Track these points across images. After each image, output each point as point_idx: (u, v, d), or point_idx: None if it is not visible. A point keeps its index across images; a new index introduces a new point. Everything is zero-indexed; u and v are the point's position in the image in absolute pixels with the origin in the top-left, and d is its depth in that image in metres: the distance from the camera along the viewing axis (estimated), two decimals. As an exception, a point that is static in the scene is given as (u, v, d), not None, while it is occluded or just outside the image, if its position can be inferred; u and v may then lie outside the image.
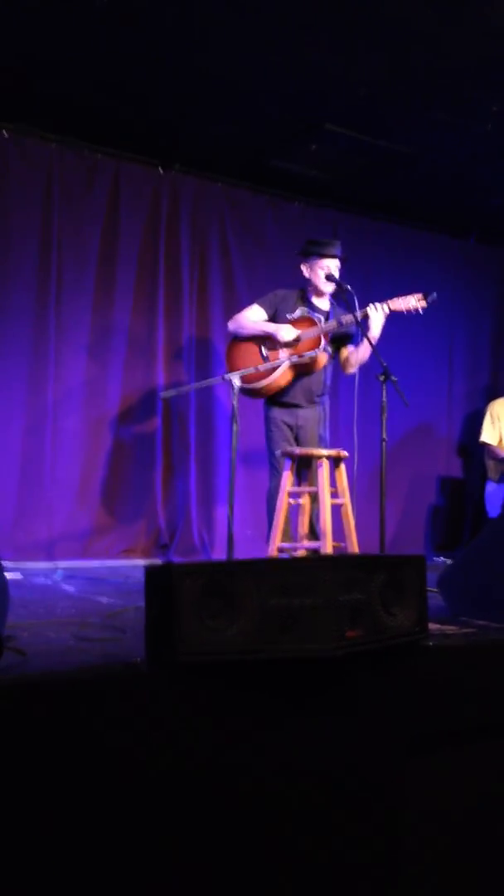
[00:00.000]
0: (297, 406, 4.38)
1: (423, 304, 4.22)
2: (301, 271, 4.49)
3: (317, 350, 4.22)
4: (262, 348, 4.33)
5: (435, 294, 4.25)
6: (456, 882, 2.07)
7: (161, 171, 5.80)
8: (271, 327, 4.33)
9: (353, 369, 4.42)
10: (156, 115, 5.19)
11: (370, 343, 4.17)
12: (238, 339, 4.44)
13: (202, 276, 5.96)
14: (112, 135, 5.45)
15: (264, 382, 4.28)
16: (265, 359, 4.29)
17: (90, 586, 3.95)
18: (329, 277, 4.35)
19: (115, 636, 2.34)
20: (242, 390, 4.34)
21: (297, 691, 1.87)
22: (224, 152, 5.72)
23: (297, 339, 4.27)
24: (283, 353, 4.27)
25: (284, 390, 4.33)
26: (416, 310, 4.24)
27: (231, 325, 4.49)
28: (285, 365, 4.25)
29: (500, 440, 6.43)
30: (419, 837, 2.02)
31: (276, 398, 4.36)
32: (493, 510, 6.25)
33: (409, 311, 4.24)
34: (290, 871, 1.83)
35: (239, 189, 6.13)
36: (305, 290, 4.48)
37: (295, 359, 4.22)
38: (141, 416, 5.72)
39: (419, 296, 4.22)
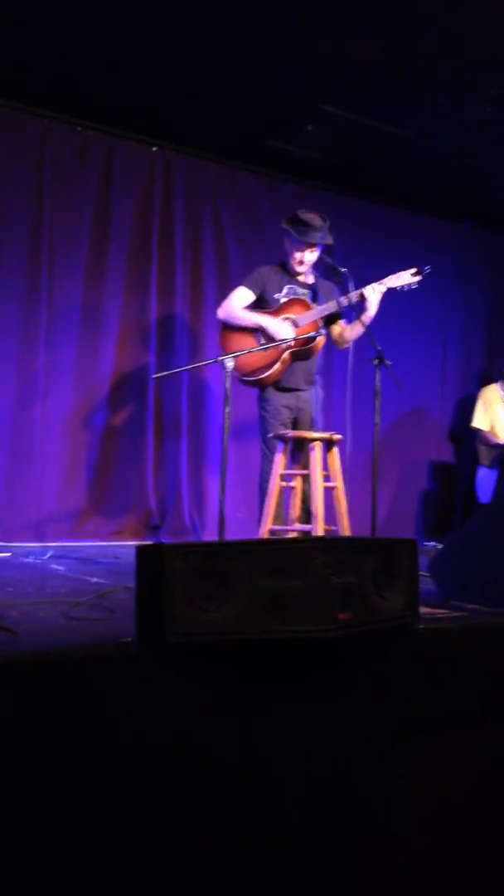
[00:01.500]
0: (298, 389, 4.36)
1: (419, 278, 4.19)
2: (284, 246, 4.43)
3: (315, 334, 4.19)
4: (261, 337, 4.28)
5: (429, 267, 4.21)
6: (449, 863, 2.08)
7: (154, 150, 5.75)
8: (268, 322, 4.26)
9: (345, 346, 4.39)
10: (150, 93, 5.13)
11: (364, 325, 4.15)
12: (231, 327, 4.38)
13: (195, 256, 5.92)
14: (105, 112, 5.39)
15: (267, 373, 4.25)
16: (261, 342, 4.24)
17: (80, 566, 3.94)
18: (323, 261, 4.31)
19: (105, 616, 2.33)
20: (244, 381, 4.33)
21: (288, 673, 1.86)
22: (219, 132, 5.66)
23: (296, 337, 4.21)
24: (285, 339, 4.22)
25: (283, 375, 4.31)
26: (412, 285, 4.21)
27: (221, 314, 4.40)
28: (285, 354, 4.22)
29: (492, 426, 6.44)
30: (410, 820, 2.02)
31: (276, 383, 4.33)
32: (484, 495, 6.26)
33: (404, 288, 4.21)
34: (281, 851, 1.83)
35: (233, 169, 6.08)
36: (286, 263, 4.43)
37: (292, 341, 4.18)
38: (132, 397, 5.69)
39: (413, 270, 4.20)
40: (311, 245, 4.29)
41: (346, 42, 4.49)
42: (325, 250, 4.39)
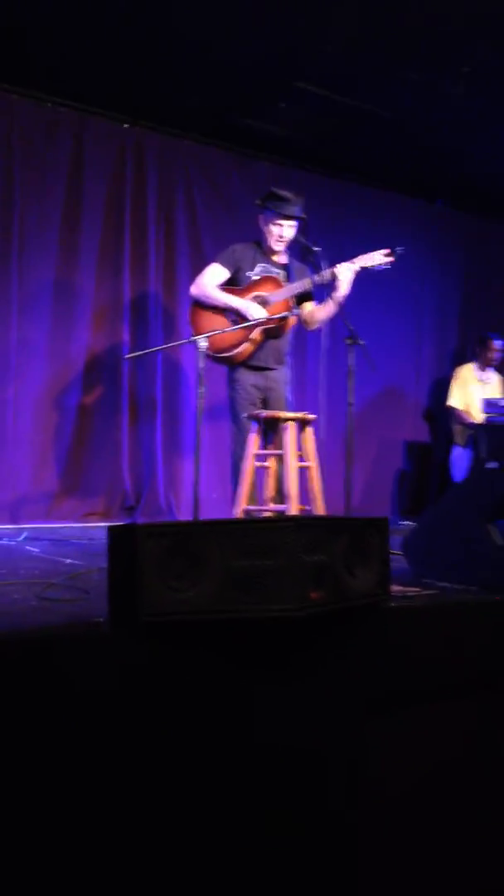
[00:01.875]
0: (268, 369, 4.35)
1: (391, 259, 4.18)
2: (258, 221, 4.41)
3: (287, 313, 4.18)
4: (232, 316, 4.26)
5: (402, 248, 4.20)
6: (415, 838, 2.11)
7: (126, 127, 5.69)
8: (238, 303, 4.23)
9: (316, 326, 4.38)
10: (121, 69, 5.07)
11: (336, 304, 4.14)
12: (203, 305, 4.36)
13: (168, 235, 5.88)
14: (75, 89, 5.32)
15: (237, 350, 4.23)
16: (233, 321, 4.22)
17: (54, 548, 3.93)
18: (297, 241, 4.29)
19: (78, 597, 2.33)
20: (214, 358, 4.30)
21: (261, 652, 1.87)
22: (191, 109, 5.61)
23: (269, 317, 4.19)
24: (258, 318, 4.20)
25: (253, 354, 4.29)
26: (384, 265, 4.20)
27: (194, 290, 4.37)
28: (256, 331, 4.20)
29: (467, 405, 6.47)
30: (380, 795, 2.05)
31: (246, 361, 4.31)
32: (458, 475, 6.30)
33: (376, 268, 4.19)
34: (252, 829, 1.85)
35: (206, 147, 6.03)
36: (261, 242, 4.41)
37: (264, 321, 4.17)
38: (106, 377, 5.66)
39: (385, 251, 4.18)
40: (289, 219, 4.27)
41: (320, 19, 4.46)
42: (299, 229, 4.37)
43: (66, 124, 5.45)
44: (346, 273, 4.14)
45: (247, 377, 4.31)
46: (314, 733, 1.94)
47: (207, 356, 4.28)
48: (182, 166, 5.93)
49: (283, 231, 4.28)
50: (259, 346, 4.26)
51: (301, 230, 4.38)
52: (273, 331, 4.24)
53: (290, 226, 4.29)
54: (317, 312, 4.33)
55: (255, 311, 4.18)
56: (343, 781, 1.97)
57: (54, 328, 5.45)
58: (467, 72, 4.98)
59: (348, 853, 1.98)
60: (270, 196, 4.30)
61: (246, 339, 4.21)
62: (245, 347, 4.22)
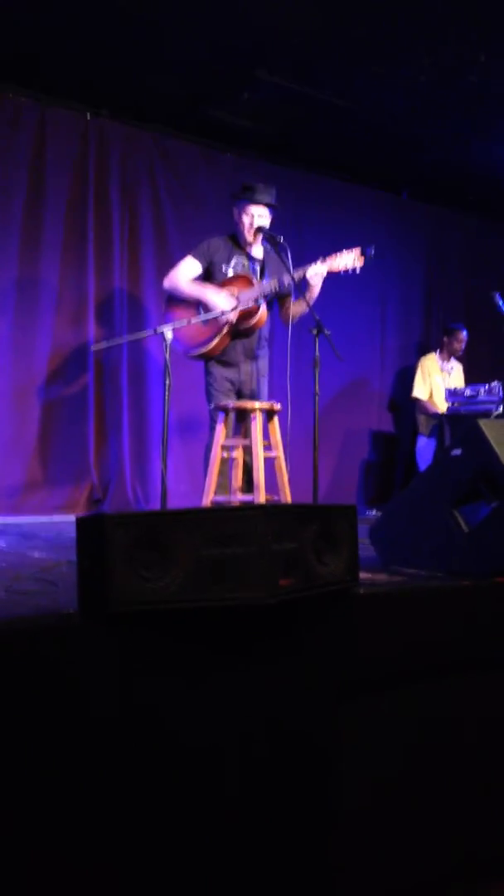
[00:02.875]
0: (237, 364, 4.36)
1: (361, 261, 4.22)
2: (231, 214, 4.42)
3: (256, 314, 4.20)
4: (202, 311, 4.26)
5: (372, 249, 4.24)
6: (388, 822, 2.14)
7: (88, 118, 5.64)
8: (208, 295, 4.22)
9: (292, 322, 4.39)
10: (81, 58, 5.02)
11: (307, 304, 4.18)
12: (175, 299, 4.36)
13: (133, 227, 5.85)
14: (36, 78, 5.26)
15: (208, 347, 4.25)
16: (204, 324, 4.23)
17: (22, 541, 3.90)
18: (259, 230, 4.30)
19: (47, 589, 2.32)
20: (189, 356, 4.33)
21: (231, 640, 1.88)
22: (154, 99, 5.58)
23: (235, 307, 4.20)
24: (223, 316, 4.21)
25: (225, 350, 4.31)
26: (355, 269, 4.23)
27: (166, 283, 4.38)
28: (224, 330, 4.22)
29: (431, 395, 6.54)
30: (352, 780, 2.07)
31: (217, 357, 4.33)
32: (424, 464, 6.36)
33: (347, 272, 4.23)
34: (226, 816, 1.86)
35: (170, 138, 6.01)
36: (236, 235, 4.41)
37: (233, 316, 4.17)
38: (72, 371, 5.62)
39: (356, 253, 4.21)
40: (260, 205, 4.29)
41: (283, 9, 4.46)
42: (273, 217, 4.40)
43: (27, 115, 5.39)
44: (317, 278, 4.18)
45: (220, 371, 4.34)
46: (286, 718, 1.96)
47: (184, 355, 4.30)
48: (146, 157, 5.90)
49: (254, 219, 4.29)
50: (228, 343, 4.28)
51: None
52: (241, 331, 4.26)
53: (262, 214, 4.32)
54: (292, 308, 4.31)
55: (223, 303, 4.19)
56: (316, 765, 1.99)
57: (18, 321, 5.39)
58: (429, 63, 5.01)
59: (321, 834, 1.99)
60: (243, 187, 4.36)
61: (216, 335, 4.22)
62: (215, 344, 4.23)
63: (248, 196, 4.29)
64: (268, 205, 4.32)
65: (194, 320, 4.16)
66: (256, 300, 4.21)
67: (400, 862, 2.17)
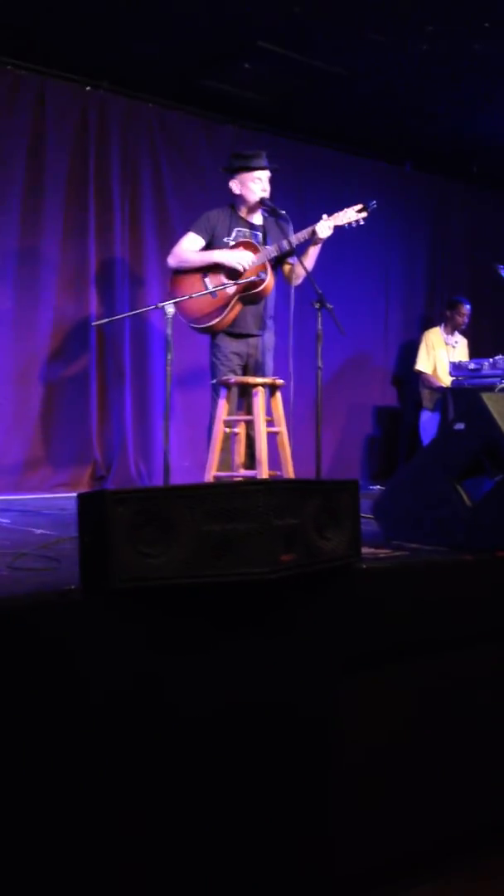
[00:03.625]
0: (249, 335, 4.33)
1: (365, 214, 4.21)
2: (230, 188, 4.37)
3: (255, 278, 4.15)
4: (206, 280, 4.23)
5: (374, 202, 4.23)
6: (388, 794, 2.16)
7: (88, 90, 5.58)
8: (221, 256, 4.20)
9: (299, 280, 4.35)
10: (81, 30, 4.95)
11: (306, 270, 4.14)
12: (179, 272, 4.33)
13: (133, 199, 5.80)
14: (36, 51, 5.19)
15: (217, 319, 4.21)
16: (208, 288, 4.20)
17: (24, 519, 3.91)
18: (262, 201, 4.27)
19: (49, 566, 2.32)
20: (195, 329, 4.29)
21: (233, 615, 1.88)
22: (154, 71, 5.51)
23: (255, 260, 4.18)
24: (230, 284, 4.18)
25: (235, 321, 4.28)
26: (359, 221, 4.22)
27: (171, 261, 4.34)
28: (234, 300, 4.19)
29: (435, 369, 6.50)
30: (353, 753, 2.08)
31: (227, 329, 4.29)
32: (427, 438, 6.34)
33: (351, 224, 4.22)
34: (227, 792, 1.87)
35: (170, 110, 5.94)
36: (235, 206, 4.37)
37: (234, 285, 4.14)
38: (73, 346, 5.60)
39: (359, 206, 4.20)
40: (264, 170, 4.26)
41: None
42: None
43: (27, 87, 5.33)
44: (325, 232, 4.17)
45: (227, 344, 4.29)
46: (288, 693, 1.96)
47: (189, 327, 4.27)
48: (147, 129, 5.84)
49: (264, 184, 4.26)
50: (239, 312, 4.25)
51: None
52: (250, 297, 4.22)
53: (264, 177, 4.29)
54: (297, 266, 4.29)
55: (244, 258, 4.16)
56: (316, 738, 2.00)
57: (19, 296, 5.37)
58: (430, 31, 4.93)
59: (322, 805, 2.01)
60: (236, 157, 4.30)
61: (226, 307, 4.19)
62: (226, 316, 4.20)
63: (245, 164, 4.24)
64: (267, 168, 4.29)
65: (197, 294, 4.13)
66: (264, 267, 4.19)
67: (399, 833, 2.18)
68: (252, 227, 4.34)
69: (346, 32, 4.98)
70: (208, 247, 4.31)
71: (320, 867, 2.00)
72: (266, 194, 4.29)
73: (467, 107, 6.04)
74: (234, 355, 4.31)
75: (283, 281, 4.40)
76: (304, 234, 4.17)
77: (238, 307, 4.23)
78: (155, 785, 1.78)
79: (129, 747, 1.75)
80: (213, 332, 4.30)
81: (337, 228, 4.22)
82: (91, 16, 4.77)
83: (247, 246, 4.25)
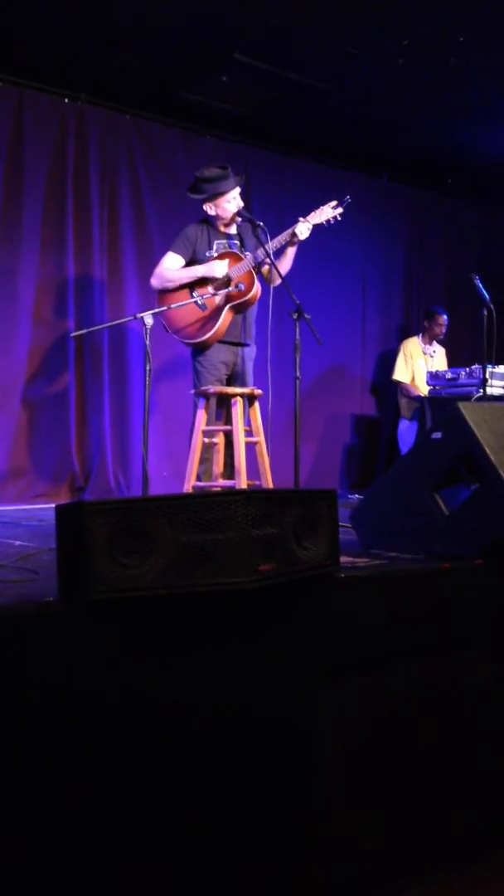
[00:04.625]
0: (241, 344, 4.36)
1: (340, 210, 4.30)
2: (204, 210, 4.40)
3: (234, 288, 4.18)
4: (193, 294, 4.25)
5: (348, 197, 4.31)
6: (371, 800, 2.16)
7: (66, 101, 5.58)
8: (201, 270, 4.25)
9: (278, 281, 4.39)
10: (59, 42, 4.97)
11: (280, 275, 4.18)
12: (168, 291, 4.34)
13: (112, 210, 5.81)
14: (13, 62, 5.19)
15: (211, 332, 4.23)
16: (198, 304, 4.22)
17: (3, 530, 3.88)
18: (238, 213, 4.31)
19: (28, 577, 2.31)
20: (189, 344, 4.31)
21: (212, 625, 1.89)
22: (132, 82, 5.53)
23: (228, 277, 4.22)
24: (219, 294, 4.20)
25: (228, 330, 4.30)
26: (337, 217, 4.31)
27: (155, 282, 4.37)
28: (225, 309, 4.20)
29: (413, 378, 6.55)
30: (335, 761, 2.08)
31: (221, 338, 4.31)
32: (405, 447, 6.38)
33: (329, 221, 4.31)
34: (207, 801, 1.87)
35: (149, 121, 5.96)
36: (210, 221, 4.40)
37: (230, 290, 4.17)
38: (52, 358, 5.59)
39: (333, 203, 4.27)
40: (233, 190, 4.31)
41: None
42: (243, 194, 4.40)
43: (4, 99, 5.33)
44: (305, 233, 4.25)
45: (216, 353, 4.30)
46: (267, 702, 1.96)
47: (180, 342, 4.29)
48: (125, 141, 5.85)
49: (236, 203, 4.32)
50: (232, 320, 4.27)
51: (244, 206, 4.40)
52: (240, 304, 4.25)
53: (237, 194, 4.33)
54: (275, 267, 4.32)
55: (218, 269, 4.20)
56: (297, 746, 2.00)
57: (-3, 307, 5.35)
58: (407, 45, 4.98)
59: (306, 811, 2.01)
60: (203, 182, 4.31)
61: (219, 317, 4.21)
62: (220, 323, 4.21)
63: (216, 190, 4.29)
64: (238, 186, 4.34)
65: (175, 305, 4.15)
66: (251, 275, 4.23)
67: (383, 839, 2.19)
68: (229, 237, 4.38)
69: (324, 46, 5.02)
70: (190, 264, 4.34)
71: (306, 874, 2.00)
72: (240, 205, 4.32)
73: (443, 119, 6.10)
74: (221, 364, 4.33)
75: (262, 284, 4.43)
76: (283, 236, 4.24)
77: (230, 316, 4.25)
78: (136, 794, 1.78)
79: (109, 758, 1.75)
80: (207, 346, 4.30)
81: (315, 227, 4.27)
82: (69, 28, 4.78)
83: (230, 256, 4.28)
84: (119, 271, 5.82)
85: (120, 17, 4.67)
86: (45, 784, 1.67)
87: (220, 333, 4.27)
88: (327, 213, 4.28)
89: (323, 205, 4.31)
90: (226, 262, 4.22)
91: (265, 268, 4.42)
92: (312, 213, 4.28)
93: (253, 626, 1.95)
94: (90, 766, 1.72)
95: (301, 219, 4.27)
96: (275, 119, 6.10)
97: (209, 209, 4.35)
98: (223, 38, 4.91)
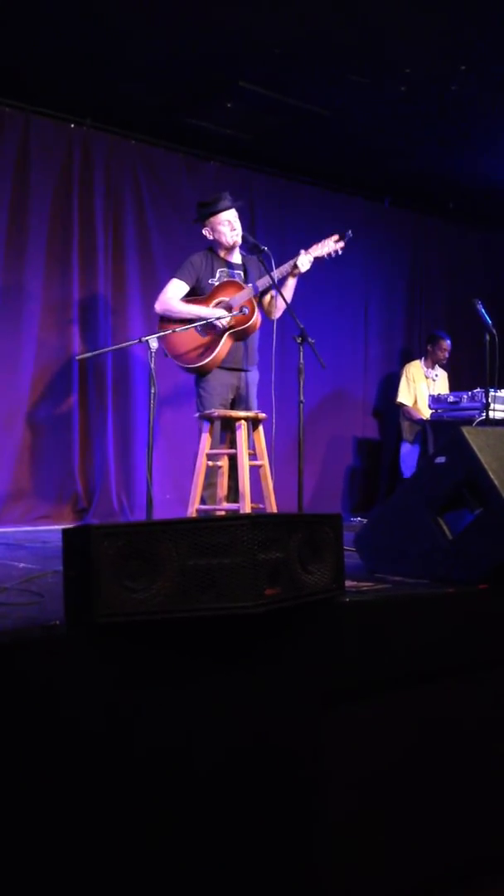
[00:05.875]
0: (242, 370, 4.38)
1: (342, 244, 4.34)
2: (204, 235, 4.46)
3: (236, 312, 4.21)
4: (197, 328, 4.28)
5: (350, 231, 4.35)
6: (374, 828, 2.15)
7: (72, 127, 5.65)
8: (205, 313, 4.26)
9: (279, 313, 4.44)
10: (66, 68, 5.04)
11: (286, 302, 4.21)
12: (170, 319, 4.37)
13: (116, 234, 5.86)
14: (21, 88, 5.26)
15: (208, 358, 4.25)
16: (198, 330, 4.25)
17: (7, 552, 3.89)
18: (243, 239, 4.35)
19: (33, 600, 2.31)
20: (188, 370, 4.33)
21: (218, 649, 1.89)
22: (137, 109, 5.60)
23: (230, 305, 4.25)
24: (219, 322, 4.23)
25: (225, 358, 4.32)
26: (338, 252, 4.34)
27: (158, 307, 4.40)
28: (225, 337, 4.23)
29: (416, 401, 6.57)
30: (338, 787, 2.08)
31: (221, 364, 4.33)
32: (407, 470, 6.39)
33: (330, 255, 4.34)
34: (210, 826, 1.86)
35: (153, 147, 6.03)
36: (213, 248, 4.45)
37: (233, 316, 4.20)
38: (57, 380, 5.62)
39: (335, 237, 4.30)
40: (229, 210, 4.36)
41: (263, 19, 4.48)
42: (247, 229, 4.43)
43: (11, 124, 5.39)
44: (306, 265, 4.29)
45: (218, 377, 4.32)
46: (272, 726, 1.96)
47: (181, 368, 4.31)
48: (130, 166, 5.91)
49: (233, 223, 4.36)
50: (230, 348, 4.29)
51: (249, 231, 4.44)
52: (239, 332, 4.27)
53: (234, 216, 4.38)
54: (276, 299, 4.38)
55: (222, 319, 4.23)
56: (301, 773, 1.99)
57: (2, 330, 5.38)
58: (408, 72, 5.05)
59: (307, 841, 2.00)
60: (201, 206, 4.43)
61: (218, 344, 4.23)
62: (219, 350, 4.24)
63: (210, 209, 4.36)
64: (231, 206, 4.39)
65: (179, 329, 4.17)
66: (251, 303, 4.26)
67: (386, 867, 2.17)
68: (231, 266, 4.43)
69: (327, 73, 5.09)
70: (193, 291, 4.37)
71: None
72: (238, 235, 4.36)
73: (444, 146, 6.17)
74: (224, 388, 4.34)
75: (262, 315, 4.46)
76: (285, 268, 4.26)
77: (229, 343, 4.28)
78: (140, 819, 1.77)
79: (114, 783, 1.74)
80: (206, 371, 4.32)
81: (317, 260, 4.30)
82: (76, 54, 4.85)
83: (231, 285, 4.32)
84: (123, 295, 5.86)
85: (127, 45, 4.74)
86: (51, 808, 1.67)
87: (219, 360, 4.29)
88: (329, 246, 4.32)
89: (326, 238, 4.34)
90: (229, 316, 4.23)
91: (266, 299, 4.45)
92: (314, 246, 4.32)
93: (258, 651, 1.95)
94: (94, 792, 1.72)
95: (303, 251, 4.30)
96: (278, 145, 6.17)
97: (207, 234, 4.41)
98: (228, 65, 4.98)
